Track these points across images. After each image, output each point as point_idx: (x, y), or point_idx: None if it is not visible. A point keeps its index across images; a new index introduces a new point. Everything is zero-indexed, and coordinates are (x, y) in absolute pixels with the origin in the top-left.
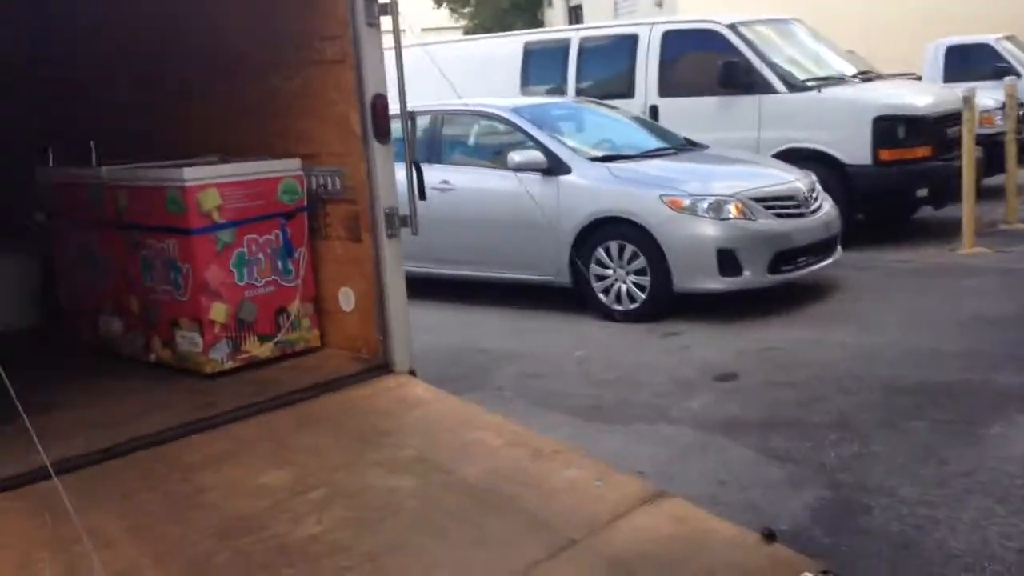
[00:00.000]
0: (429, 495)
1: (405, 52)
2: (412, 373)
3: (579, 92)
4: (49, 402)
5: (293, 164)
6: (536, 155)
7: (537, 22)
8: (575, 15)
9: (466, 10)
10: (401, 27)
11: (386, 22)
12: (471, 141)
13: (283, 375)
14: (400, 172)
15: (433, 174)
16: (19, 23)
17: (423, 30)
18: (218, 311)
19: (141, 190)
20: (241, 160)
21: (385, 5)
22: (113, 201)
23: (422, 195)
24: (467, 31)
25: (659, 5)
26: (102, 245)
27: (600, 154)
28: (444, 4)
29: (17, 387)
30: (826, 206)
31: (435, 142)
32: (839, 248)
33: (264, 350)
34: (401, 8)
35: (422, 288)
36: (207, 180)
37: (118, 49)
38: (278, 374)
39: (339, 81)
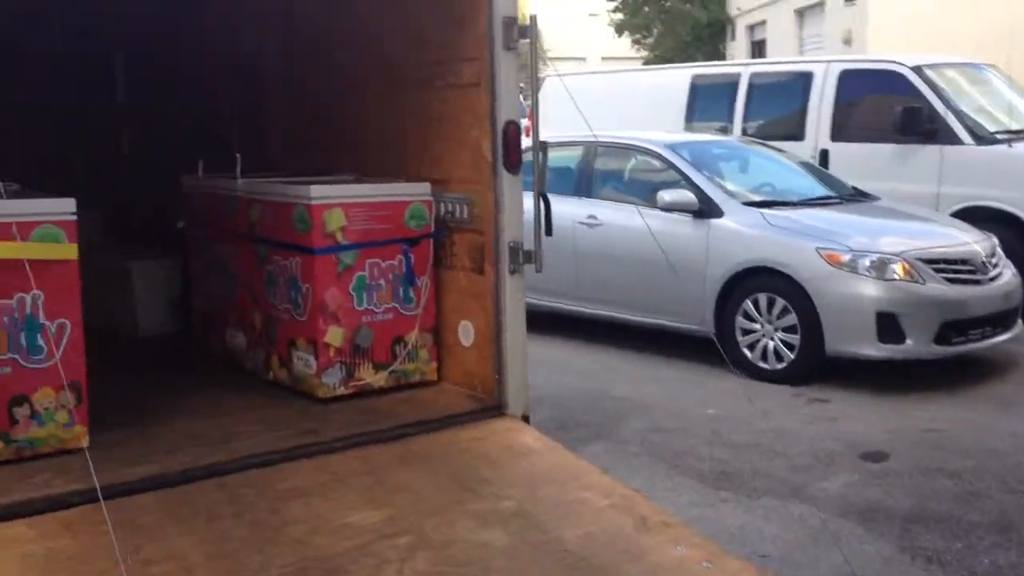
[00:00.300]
0: (520, 556)
1: (570, 80)
2: (526, 418)
3: (746, 131)
4: (166, 411)
5: (423, 189)
6: (687, 195)
7: (719, 55)
8: (758, 49)
9: (648, 40)
10: (580, 56)
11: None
12: (623, 176)
13: (394, 406)
14: (529, 203)
15: (581, 208)
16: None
17: (603, 59)
18: (334, 335)
19: (272, 205)
20: (372, 181)
21: (524, 28)
22: (247, 214)
23: (548, 231)
24: (646, 61)
25: (847, 43)
26: (234, 257)
27: (757, 199)
28: (626, 33)
29: (142, 392)
30: (1007, 274)
31: (586, 175)
32: (1020, 322)
33: (378, 379)
34: (582, 37)
35: (563, 325)
36: (334, 199)
37: (272, 64)
38: (389, 405)
39: (474, 105)
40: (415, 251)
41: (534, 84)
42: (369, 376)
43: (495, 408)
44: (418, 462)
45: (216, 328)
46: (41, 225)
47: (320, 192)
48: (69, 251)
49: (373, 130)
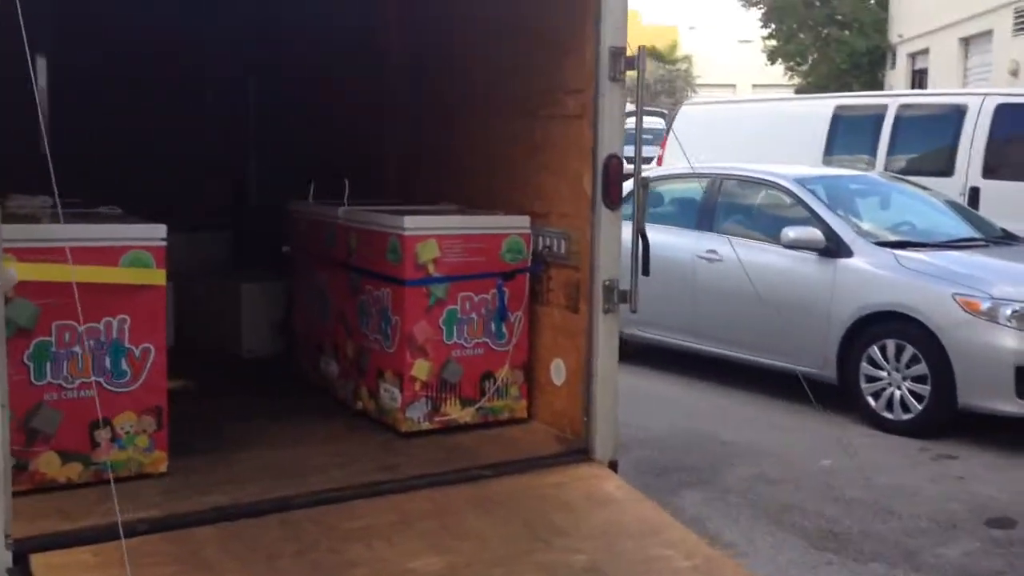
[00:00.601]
0: None
1: (707, 109)
2: (613, 464)
3: (889, 167)
4: (249, 438)
5: (521, 222)
6: (814, 232)
7: (877, 84)
8: (918, 79)
9: (802, 68)
10: (730, 83)
11: None
12: (748, 210)
13: (478, 445)
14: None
15: (702, 242)
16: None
17: (754, 86)
18: (420, 368)
19: (369, 234)
20: (474, 212)
21: (632, 59)
22: (346, 242)
23: (646, 270)
24: (798, 90)
25: (1014, 75)
26: (331, 284)
27: (892, 239)
28: (779, 61)
29: (230, 416)
30: None
31: (709, 208)
32: None
33: (465, 415)
34: (734, 63)
35: (676, 361)
36: (427, 231)
37: (383, 91)
38: (473, 443)
39: (577, 137)
40: (509, 285)
41: (640, 117)
42: (455, 412)
43: (581, 452)
44: (491, 506)
45: (312, 354)
46: (131, 250)
47: (413, 223)
48: (157, 276)
49: (480, 161)
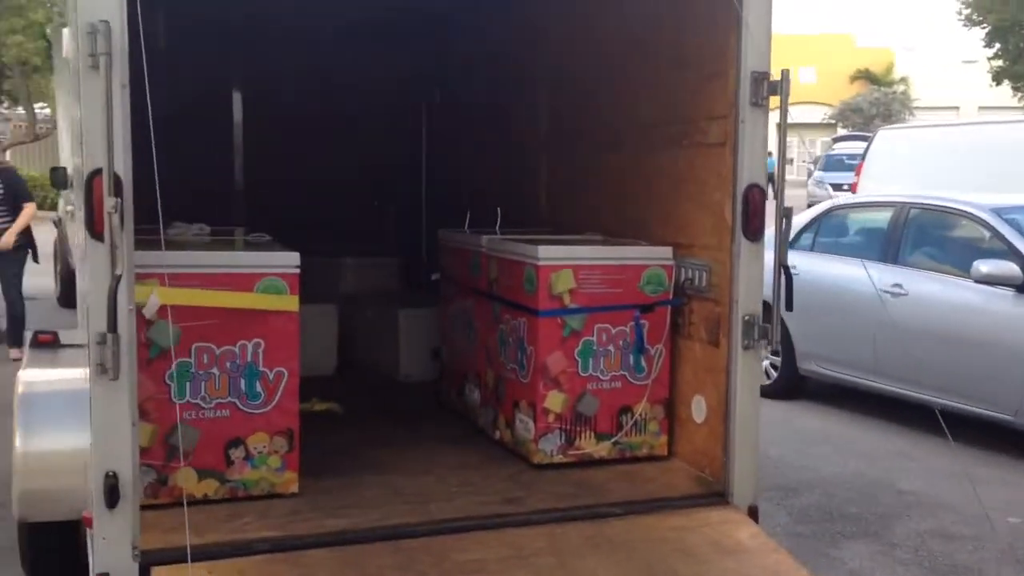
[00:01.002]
0: None
1: (908, 134)
2: (753, 510)
3: None
4: (384, 462)
5: (663, 253)
6: (1010, 267)
7: None
8: None
9: None
10: (953, 104)
11: None
12: (938, 242)
13: (609, 481)
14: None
15: (886, 275)
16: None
17: (980, 108)
18: (554, 400)
19: (508, 263)
20: (615, 243)
21: (776, 83)
22: (487, 271)
23: (789, 306)
24: None
25: None
26: (475, 313)
27: None
28: (1006, 81)
29: (370, 438)
30: None
31: (894, 240)
32: None
33: (600, 449)
34: (957, 84)
35: (855, 400)
36: (563, 261)
37: (537, 118)
38: (605, 479)
39: (719, 166)
40: (649, 318)
41: (783, 143)
42: (590, 446)
43: (718, 495)
44: (610, 547)
45: (458, 381)
46: (266, 277)
47: (548, 253)
48: (290, 303)
49: (627, 190)
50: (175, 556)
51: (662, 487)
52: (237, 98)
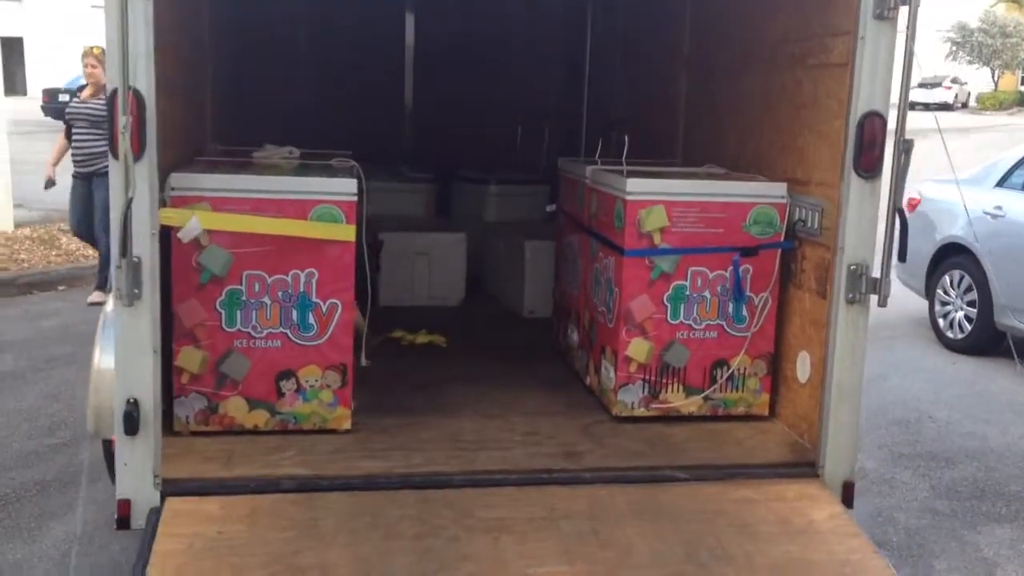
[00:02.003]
0: None
1: None
2: (848, 487)
3: None
4: (454, 405)
5: (776, 190)
6: None
7: None
8: None
9: None
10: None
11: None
12: None
13: (691, 441)
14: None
15: None
16: None
17: None
18: (638, 348)
19: (604, 196)
20: (723, 177)
21: None
22: (589, 204)
23: (903, 255)
24: None
25: None
26: (580, 249)
27: None
28: None
29: (457, 379)
30: None
31: None
32: None
33: (689, 404)
34: None
35: None
36: (654, 195)
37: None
38: (687, 438)
39: (840, 90)
40: (753, 262)
41: (908, 65)
42: (678, 400)
43: (807, 465)
44: (656, 516)
45: (563, 320)
46: (321, 204)
47: (637, 187)
48: (347, 232)
49: (752, 118)
50: (197, 487)
51: (747, 452)
52: (409, 20)
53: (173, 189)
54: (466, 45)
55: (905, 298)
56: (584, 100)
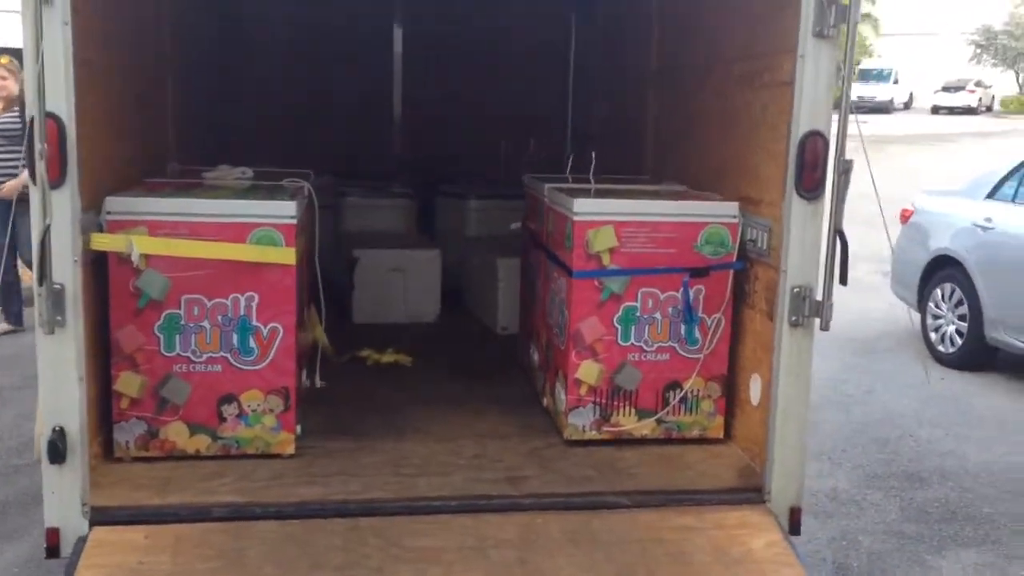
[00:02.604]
0: None
1: None
2: (795, 512)
3: None
4: (406, 428)
5: (727, 209)
6: None
7: None
8: None
9: None
10: None
11: None
12: None
13: (641, 465)
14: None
15: None
16: None
17: None
18: (588, 371)
19: (558, 216)
20: (676, 196)
21: (844, 9)
22: (547, 222)
23: (843, 279)
24: None
25: None
26: (538, 268)
27: None
28: None
29: (413, 400)
30: None
31: None
32: None
33: (642, 427)
34: None
35: None
36: (603, 215)
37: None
38: (637, 462)
39: (788, 109)
40: (705, 283)
41: (847, 82)
42: (630, 423)
43: (754, 491)
44: (590, 545)
45: (527, 339)
46: (259, 227)
47: (585, 207)
48: (286, 255)
49: (710, 136)
50: (126, 516)
51: (696, 476)
52: (398, 34)
53: (109, 213)
54: (454, 60)
55: (900, 311)
56: (568, 116)
